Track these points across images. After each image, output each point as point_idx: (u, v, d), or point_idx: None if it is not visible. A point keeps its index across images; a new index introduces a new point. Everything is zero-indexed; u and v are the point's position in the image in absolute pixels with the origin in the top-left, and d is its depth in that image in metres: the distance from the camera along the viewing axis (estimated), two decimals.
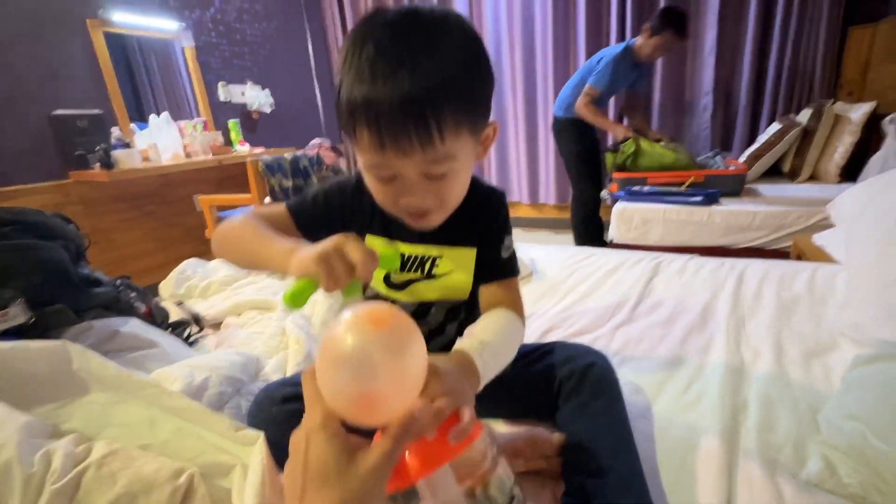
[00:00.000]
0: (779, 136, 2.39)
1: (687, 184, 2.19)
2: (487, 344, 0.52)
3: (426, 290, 0.67)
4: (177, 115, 2.78)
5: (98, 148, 2.21)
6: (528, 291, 1.23)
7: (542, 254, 1.49)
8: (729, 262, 1.29)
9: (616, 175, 2.37)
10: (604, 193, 2.50)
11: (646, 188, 2.24)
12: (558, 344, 0.71)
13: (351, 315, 0.35)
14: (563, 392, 0.64)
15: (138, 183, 2.57)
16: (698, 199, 2.07)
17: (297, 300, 0.39)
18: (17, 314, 0.67)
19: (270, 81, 3.36)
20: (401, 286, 0.67)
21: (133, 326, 0.83)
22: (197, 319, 1.13)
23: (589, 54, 2.93)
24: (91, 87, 2.41)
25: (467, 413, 0.40)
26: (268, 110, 3.31)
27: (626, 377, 0.78)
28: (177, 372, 0.67)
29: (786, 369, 0.77)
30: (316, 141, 2.75)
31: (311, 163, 2.57)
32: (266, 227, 0.55)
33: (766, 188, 2.26)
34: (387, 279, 0.67)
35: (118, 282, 0.97)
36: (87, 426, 0.49)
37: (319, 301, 1.06)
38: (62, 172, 2.30)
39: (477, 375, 0.48)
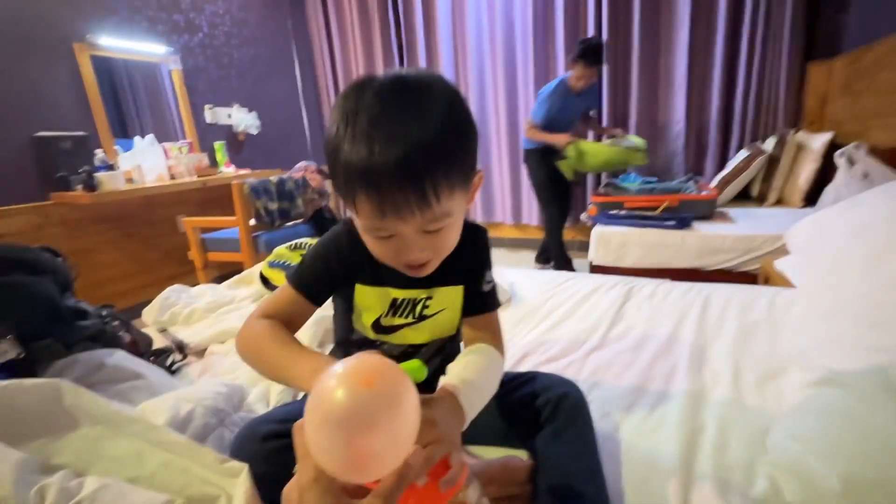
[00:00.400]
0: (747, 162, 2.52)
1: (661, 208, 2.28)
2: (471, 383, 0.54)
3: (415, 335, 0.69)
4: (162, 137, 2.80)
5: (81, 170, 2.21)
6: (506, 316, 1.27)
7: (522, 278, 1.54)
8: (697, 286, 1.36)
9: (594, 199, 2.47)
10: (583, 216, 2.60)
11: (623, 212, 2.33)
12: (535, 374, 0.74)
13: (342, 370, 0.33)
14: (538, 420, 0.67)
15: (120, 204, 2.56)
16: (672, 223, 2.16)
17: None
18: (8, 349, 0.69)
19: (257, 104, 3.41)
20: (391, 329, 0.69)
21: (119, 358, 0.85)
22: (180, 347, 1.14)
23: None
24: (76, 110, 2.42)
25: (456, 459, 0.41)
26: (254, 132, 3.35)
27: (596, 402, 0.82)
28: (162, 404, 0.69)
29: (742, 393, 0.83)
30: (302, 164, 2.79)
31: (297, 185, 2.60)
32: (285, 337, 0.56)
33: (735, 212, 2.37)
34: (376, 325, 0.68)
35: (104, 312, 0.99)
36: (77, 461, 0.51)
37: (302, 329, 1.09)
38: (43, 194, 2.29)
39: (462, 416, 0.51)
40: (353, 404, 0.31)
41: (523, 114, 3.26)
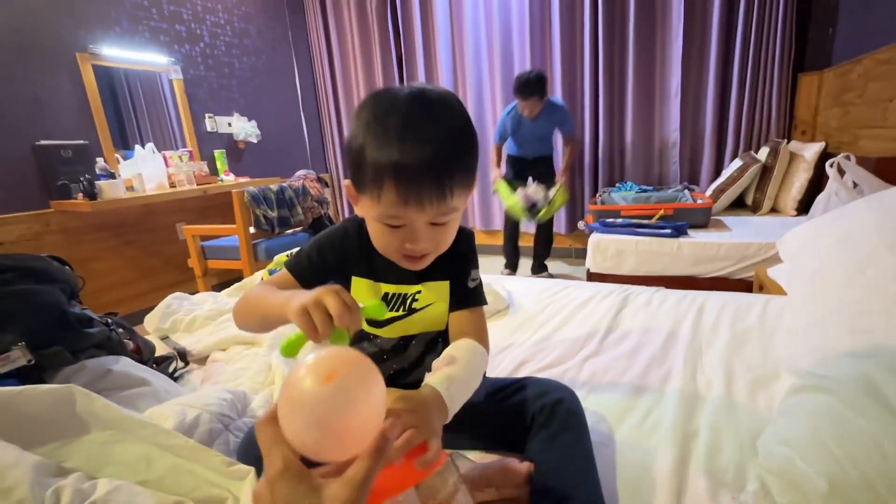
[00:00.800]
0: (741, 171, 2.56)
1: (657, 216, 2.31)
2: (454, 378, 0.57)
3: (407, 326, 0.73)
4: (162, 146, 2.83)
5: (82, 178, 2.23)
6: (504, 323, 1.29)
7: (520, 286, 1.56)
8: (692, 294, 1.38)
9: (591, 207, 2.51)
10: (580, 224, 2.63)
11: (619, 220, 2.36)
12: (531, 379, 0.77)
13: (311, 359, 0.36)
14: (534, 425, 0.69)
15: (120, 212, 2.58)
16: (667, 231, 2.19)
17: (290, 350, 0.43)
18: (18, 357, 0.70)
19: (257, 113, 3.45)
20: (383, 323, 0.73)
21: (125, 365, 0.86)
22: (182, 354, 1.16)
23: (565, 93, 3.12)
24: (77, 118, 2.45)
25: (434, 444, 0.45)
26: (254, 141, 3.38)
27: (592, 407, 0.84)
28: (169, 410, 0.71)
29: (734, 398, 0.85)
30: (301, 172, 2.81)
31: (297, 193, 2.63)
32: (273, 289, 0.60)
33: (730, 220, 2.40)
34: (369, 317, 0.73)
35: (109, 320, 1.00)
36: (88, 464, 0.53)
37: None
38: (44, 202, 2.31)
39: (445, 410, 0.53)
40: (321, 387, 0.34)
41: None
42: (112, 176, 2.41)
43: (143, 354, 1.05)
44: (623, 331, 1.18)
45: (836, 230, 1.03)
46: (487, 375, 0.76)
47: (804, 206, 2.36)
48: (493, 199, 3.57)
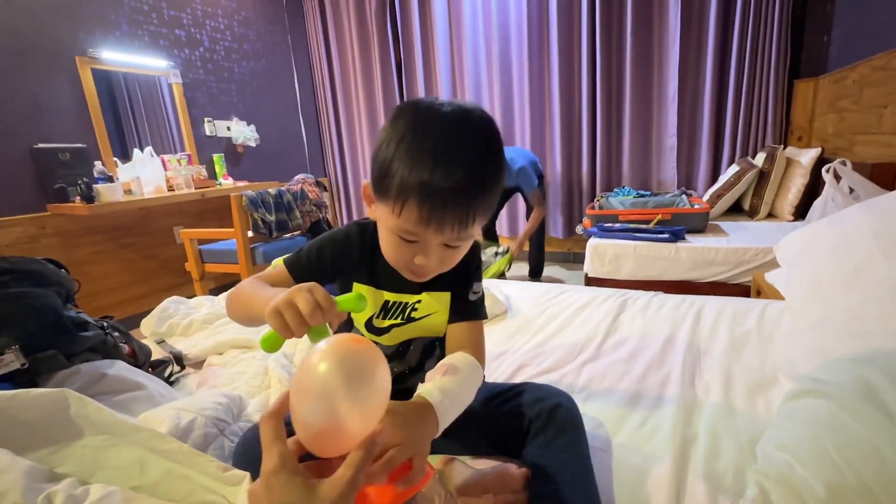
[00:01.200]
0: (738, 176, 2.57)
1: (655, 221, 2.32)
2: (448, 391, 0.56)
3: (406, 333, 0.73)
4: (161, 149, 2.83)
5: (80, 181, 2.23)
6: (502, 328, 1.29)
7: (518, 290, 1.56)
8: (690, 298, 1.38)
9: (589, 212, 2.51)
10: (578, 229, 2.63)
11: (617, 225, 2.37)
12: (529, 385, 0.76)
13: (324, 346, 0.38)
14: (531, 430, 0.69)
15: (118, 215, 2.58)
16: (665, 235, 2.19)
17: (269, 344, 0.43)
18: (11, 360, 0.69)
19: (256, 117, 3.45)
20: (382, 330, 0.73)
21: (119, 369, 0.86)
22: (178, 359, 1.15)
23: (562, 98, 3.14)
24: (76, 122, 2.45)
25: (418, 462, 0.44)
26: (253, 145, 3.38)
27: (590, 412, 0.84)
28: (163, 414, 0.70)
29: (732, 403, 0.85)
30: (300, 176, 2.81)
31: (295, 197, 2.63)
32: (262, 286, 0.60)
33: (728, 225, 2.41)
34: (369, 324, 0.73)
35: (104, 323, 0.99)
36: (81, 470, 0.52)
37: (303, 340, 1.10)
38: (41, 205, 2.30)
39: (436, 424, 0.52)
40: (332, 375, 0.36)
41: (518, 131, 3.33)
42: (110, 179, 2.41)
43: (139, 358, 1.05)
44: (621, 335, 1.18)
45: (832, 235, 1.03)
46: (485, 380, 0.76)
47: (801, 212, 2.37)
48: None
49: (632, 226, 2.33)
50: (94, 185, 2.28)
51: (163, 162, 2.70)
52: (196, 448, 0.66)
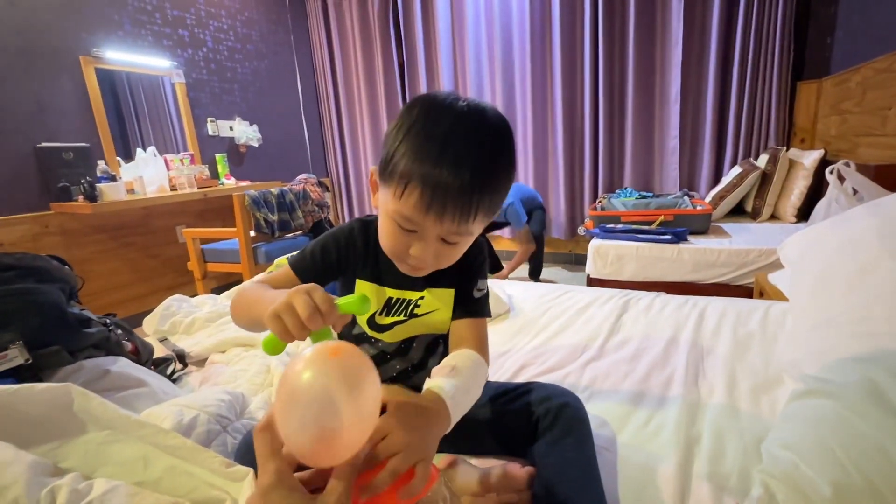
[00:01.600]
0: (740, 178, 2.57)
1: (657, 222, 2.31)
2: (458, 387, 0.55)
3: (408, 330, 0.73)
4: (163, 149, 2.83)
5: (83, 181, 2.24)
6: (505, 327, 1.29)
7: (520, 290, 1.56)
8: (693, 299, 1.38)
9: (591, 213, 2.51)
10: (580, 229, 2.63)
11: (619, 226, 2.36)
12: (535, 384, 0.76)
13: (307, 354, 0.36)
14: (537, 429, 0.68)
15: (120, 214, 2.58)
16: (668, 237, 2.19)
17: (271, 347, 0.42)
18: (15, 356, 0.69)
19: (259, 117, 3.46)
20: (385, 328, 0.72)
21: (122, 366, 0.86)
22: (181, 356, 1.15)
23: (565, 100, 3.13)
24: (79, 121, 2.46)
25: (422, 469, 0.42)
26: (255, 144, 3.39)
27: (594, 412, 0.83)
28: (166, 411, 0.70)
29: (736, 403, 0.84)
30: (302, 176, 2.82)
31: (298, 197, 2.63)
32: (264, 288, 0.59)
33: (730, 227, 2.40)
34: (371, 321, 0.72)
35: (107, 320, 1.00)
36: (84, 465, 0.52)
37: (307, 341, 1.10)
38: (44, 204, 2.31)
39: (448, 419, 0.51)
40: (316, 376, 0.34)
41: (521, 132, 3.33)
42: (113, 179, 2.41)
43: (142, 356, 1.05)
44: (624, 336, 1.18)
45: (836, 236, 1.03)
46: (488, 379, 0.76)
47: (803, 213, 2.37)
48: None
49: (634, 227, 2.32)
50: (98, 185, 2.28)
51: (165, 161, 2.71)
52: (199, 444, 0.66)
